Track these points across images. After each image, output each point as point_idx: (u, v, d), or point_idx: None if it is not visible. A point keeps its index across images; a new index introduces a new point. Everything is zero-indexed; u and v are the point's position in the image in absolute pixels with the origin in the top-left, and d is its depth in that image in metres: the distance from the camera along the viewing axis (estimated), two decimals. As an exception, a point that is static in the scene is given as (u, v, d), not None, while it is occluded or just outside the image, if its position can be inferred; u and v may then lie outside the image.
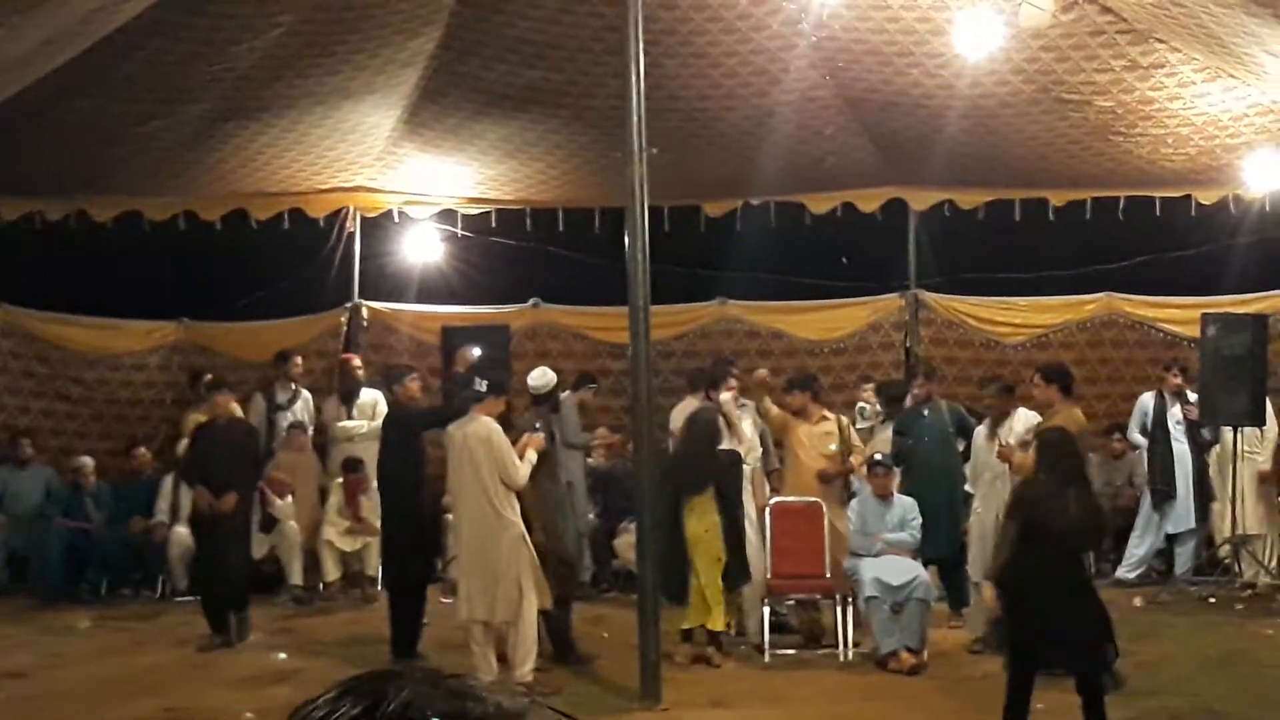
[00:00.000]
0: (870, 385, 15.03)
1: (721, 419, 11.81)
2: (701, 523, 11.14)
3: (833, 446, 12.30)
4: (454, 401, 11.60)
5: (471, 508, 10.41)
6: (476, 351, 12.90)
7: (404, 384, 11.99)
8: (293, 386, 15.32)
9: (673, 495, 11.00)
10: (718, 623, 11.18)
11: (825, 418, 12.47)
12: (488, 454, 10.32)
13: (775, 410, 12.60)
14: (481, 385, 10.80)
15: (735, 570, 11.17)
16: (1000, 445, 11.57)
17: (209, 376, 15.25)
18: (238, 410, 15.15)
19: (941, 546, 11.79)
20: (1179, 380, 14.12)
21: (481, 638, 10.38)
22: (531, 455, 10.69)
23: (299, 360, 15.45)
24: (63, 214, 15.27)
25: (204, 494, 11.89)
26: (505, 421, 11.24)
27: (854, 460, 12.24)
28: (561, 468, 13.37)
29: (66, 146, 13.36)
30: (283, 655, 11.59)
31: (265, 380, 15.63)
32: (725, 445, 11.70)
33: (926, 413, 12.61)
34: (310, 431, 15.11)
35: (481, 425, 10.44)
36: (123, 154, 13.76)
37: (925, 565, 11.48)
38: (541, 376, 12.94)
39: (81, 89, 11.97)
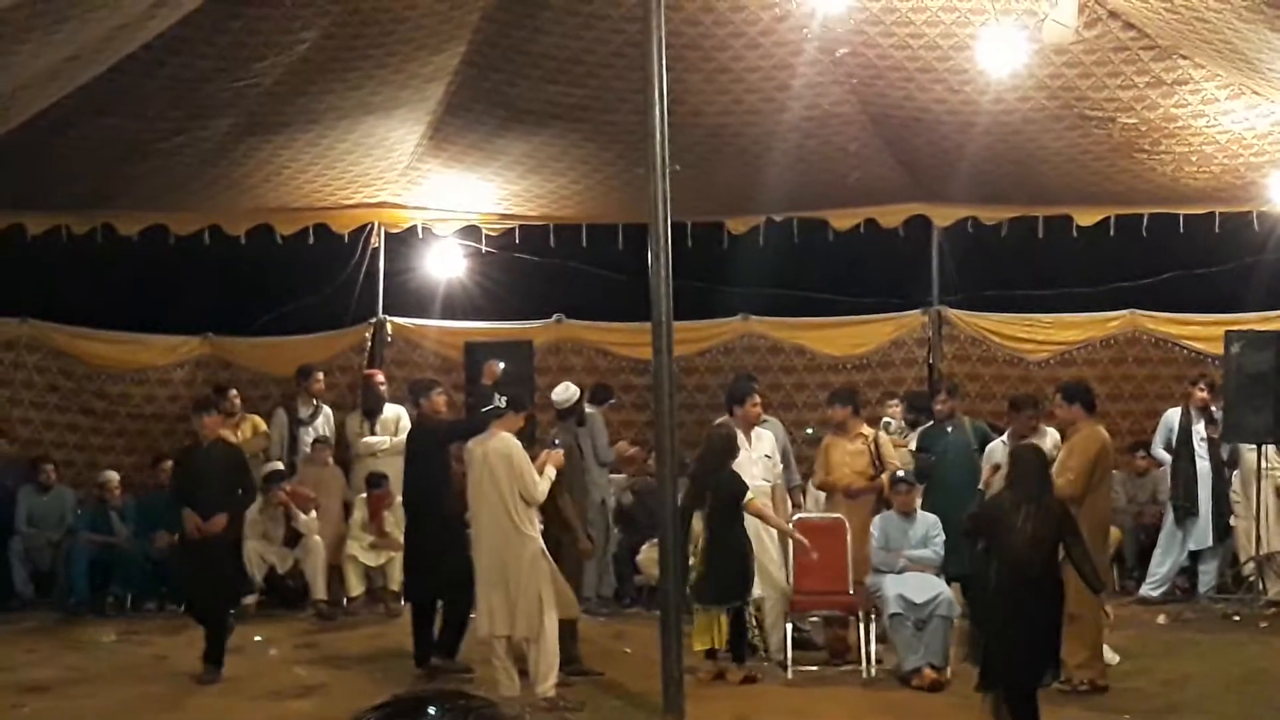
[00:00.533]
0: (896, 402, 15.01)
1: (740, 437, 11.81)
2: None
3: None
4: (476, 416, 11.62)
5: (491, 523, 10.46)
6: (502, 365, 12.91)
7: (429, 398, 12.04)
8: (314, 402, 15.38)
9: (684, 511, 10.87)
10: (720, 639, 11.11)
11: (861, 434, 12.45)
12: (507, 470, 10.36)
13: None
14: (501, 401, 10.85)
15: (706, 586, 11.00)
16: None
17: (234, 392, 15.35)
18: (261, 423, 15.23)
19: (964, 563, 11.75)
20: (1205, 395, 14.08)
21: (503, 653, 10.41)
22: (550, 471, 10.73)
23: (320, 376, 15.51)
24: (89, 228, 15.33)
25: (193, 517, 11.29)
26: (529, 437, 11.29)
27: (885, 478, 12.16)
28: (595, 485, 13.42)
29: (92, 162, 13.41)
30: (301, 671, 11.64)
31: (288, 395, 15.69)
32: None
33: (950, 429, 12.59)
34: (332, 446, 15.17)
35: (501, 441, 10.49)
36: (148, 169, 13.81)
37: (948, 582, 11.46)
38: (564, 391, 13.00)
39: (107, 105, 12.03)
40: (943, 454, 12.44)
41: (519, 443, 10.60)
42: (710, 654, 11.15)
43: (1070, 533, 8.97)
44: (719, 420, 12.24)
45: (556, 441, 11.58)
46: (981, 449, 12.47)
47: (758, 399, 12.46)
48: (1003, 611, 8.96)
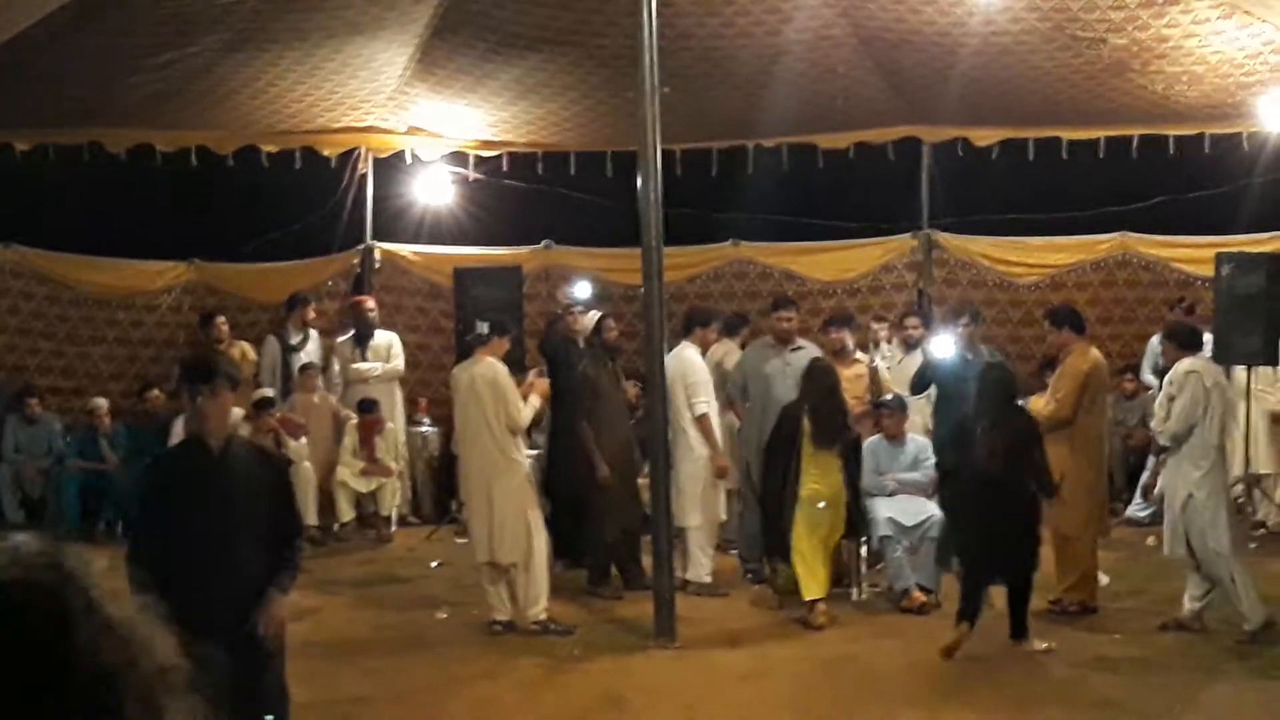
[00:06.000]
0: (885, 323, 14.83)
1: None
2: (826, 481, 10.56)
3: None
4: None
5: (478, 450, 10.52)
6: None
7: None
8: (304, 326, 15.28)
9: (790, 448, 10.54)
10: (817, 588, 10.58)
11: (857, 360, 12.37)
12: (493, 396, 10.37)
13: None
14: (483, 327, 10.82)
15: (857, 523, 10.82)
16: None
17: (221, 319, 15.26)
18: (250, 349, 15.08)
19: None
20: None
21: (492, 577, 10.44)
22: (535, 399, 10.74)
23: (313, 307, 15.40)
24: (74, 142, 15.12)
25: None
26: (517, 363, 11.30)
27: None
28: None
29: (79, 77, 13.23)
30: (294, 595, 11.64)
31: (277, 321, 15.62)
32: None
33: (971, 357, 12.17)
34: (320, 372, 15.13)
35: (487, 367, 10.50)
36: (136, 82, 13.63)
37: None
38: (589, 318, 12.72)
39: (93, 20, 11.87)
40: (962, 383, 12.12)
41: (505, 368, 10.59)
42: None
43: (1033, 443, 9.68)
44: (817, 355, 11.89)
45: (541, 370, 11.56)
46: None
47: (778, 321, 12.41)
48: (970, 516, 9.71)
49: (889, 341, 14.51)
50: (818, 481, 10.49)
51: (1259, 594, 9.92)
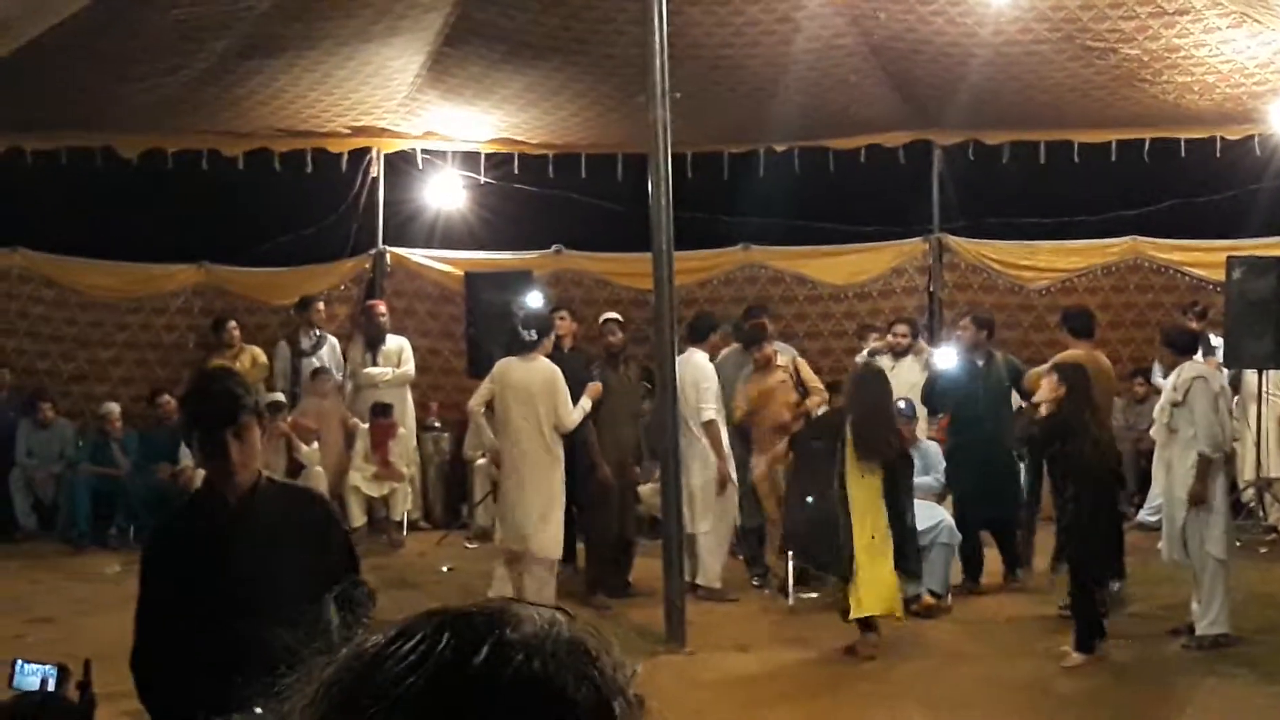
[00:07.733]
0: (876, 335, 14.56)
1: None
2: (874, 493, 9.87)
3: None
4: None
5: (523, 443, 10.80)
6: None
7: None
8: (315, 332, 15.32)
9: (839, 456, 9.87)
10: (875, 605, 9.84)
11: (780, 365, 12.10)
12: (549, 394, 10.72)
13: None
14: (530, 334, 10.95)
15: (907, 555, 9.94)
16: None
17: (233, 324, 15.26)
18: (261, 354, 15.10)
19: (1004, 506, 11.60)
20: (1195, 325, 14.04)
21: (507, 569, 10.64)
22: (586, 403, 10.90)
23: (321, 306, 15.46)
24: (86, 146, 15.17)
25: None
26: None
27: (812, 401, 11.93)
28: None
29: (89, 83, 13.27)
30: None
31: (286, 325, 15.65)
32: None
33: (980, 363, 12.01)
34: (338, 377, 15.13)
35: (545, 366, 10.88)
36: (146, 88, 13.64)
37: (981, 528, 11.51)
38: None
39: (103, 27, 11.90)
40: (975, 391, 11.89)
41: (560, 370, 10.88)
42: (866, 624, 9.92)
43: None
44: (862, 358, 11.75)
45: (595, 374, 11.63)
46: (1014, 385, 11.88)
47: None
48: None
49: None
50: (860, 496, 9.83)
51: (1234, 604, 9.96)
